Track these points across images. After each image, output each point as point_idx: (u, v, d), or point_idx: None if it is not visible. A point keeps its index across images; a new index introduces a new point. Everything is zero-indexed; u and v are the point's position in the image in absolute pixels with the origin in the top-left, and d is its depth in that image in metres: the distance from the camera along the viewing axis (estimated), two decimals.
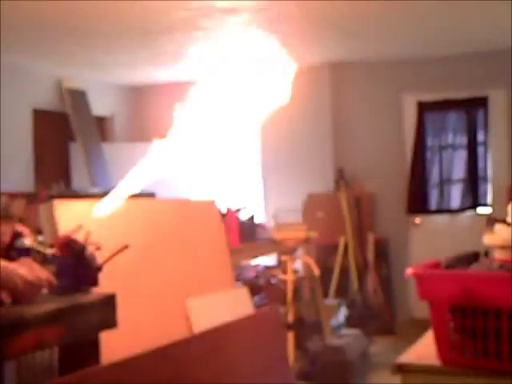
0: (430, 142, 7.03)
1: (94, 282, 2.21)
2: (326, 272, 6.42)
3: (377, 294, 6.60)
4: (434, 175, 7.02)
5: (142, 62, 6.89)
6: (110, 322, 2.13)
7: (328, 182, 7.17)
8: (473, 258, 2.00)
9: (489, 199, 6.85)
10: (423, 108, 7.02)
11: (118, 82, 7.93)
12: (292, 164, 7.48)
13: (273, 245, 5.04)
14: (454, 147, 6.98)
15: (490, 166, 6.85)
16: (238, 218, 5.15)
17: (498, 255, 1.93)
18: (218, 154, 8.00)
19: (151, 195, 5.21)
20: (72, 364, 2.12)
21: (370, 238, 6.74)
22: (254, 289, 5.47)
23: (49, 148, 7.26)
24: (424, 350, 1.95)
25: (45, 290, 2.07)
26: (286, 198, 7.27)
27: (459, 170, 6.94)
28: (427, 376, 1.84)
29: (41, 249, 2.40)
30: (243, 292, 3.73)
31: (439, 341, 1.82)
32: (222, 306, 3.39)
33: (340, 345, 4.87)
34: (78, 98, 7.23)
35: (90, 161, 6.97)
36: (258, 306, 4.73)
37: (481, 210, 6.85)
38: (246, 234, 5.16)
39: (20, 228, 2.45)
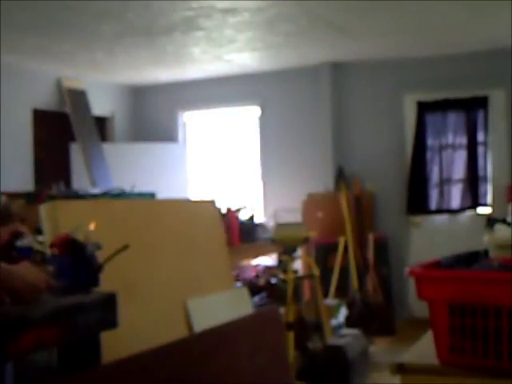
0: (430, 141, 7.03)
1: (95, 282, 2.21)
2: (326, 272, 6.42)
3: (376, 293, 6.59)
4: (434, 175, 7.02)
5: (142, 62, 6.89)
6: (110, 322, 2.13)
7: (328, 181, 7.17)
8: (473, 257, 2.00)
9: (489, 199, 6.85)
10: (423, 108, 7.02)
11: (118, 81, 7.93)
12: (292, 164, 7.48)
13: (273, 245, 5.04)
14: (453, 147, 6.97)
15: (490, 166, 6.85)
16: (237, 218, 5.15)
17: (498, 255, 1.93)
18: (219, 154, 8.01)
19: (151, 195, 5.21)
20: (72, 364, 2.12)
21: (370, 238, 6.73)
22: (254, 289, 5.48)
23: (49, 148, 7.27)
24: (424, 349, 1.95)
25: (45, 291, 2.07)
26: (286, 198, 7.27)
27: (459, 169, 6.94)
28: (427, 376, 1.84)
29: (41, 249, 2.40)
30: (243, 292, 3.72)
31: (439, 341, 1.82)
32: (222, 305, 3.39)
33: (340, 345, 4.87)
34: (78, 97, 7.23)
35: (90, 161, 6.97)
36: (257, 306, 4.73)
37: (481, 209, 6.85)
38: (246, 234, 5.16)
39: (20, 228, 2.45)
